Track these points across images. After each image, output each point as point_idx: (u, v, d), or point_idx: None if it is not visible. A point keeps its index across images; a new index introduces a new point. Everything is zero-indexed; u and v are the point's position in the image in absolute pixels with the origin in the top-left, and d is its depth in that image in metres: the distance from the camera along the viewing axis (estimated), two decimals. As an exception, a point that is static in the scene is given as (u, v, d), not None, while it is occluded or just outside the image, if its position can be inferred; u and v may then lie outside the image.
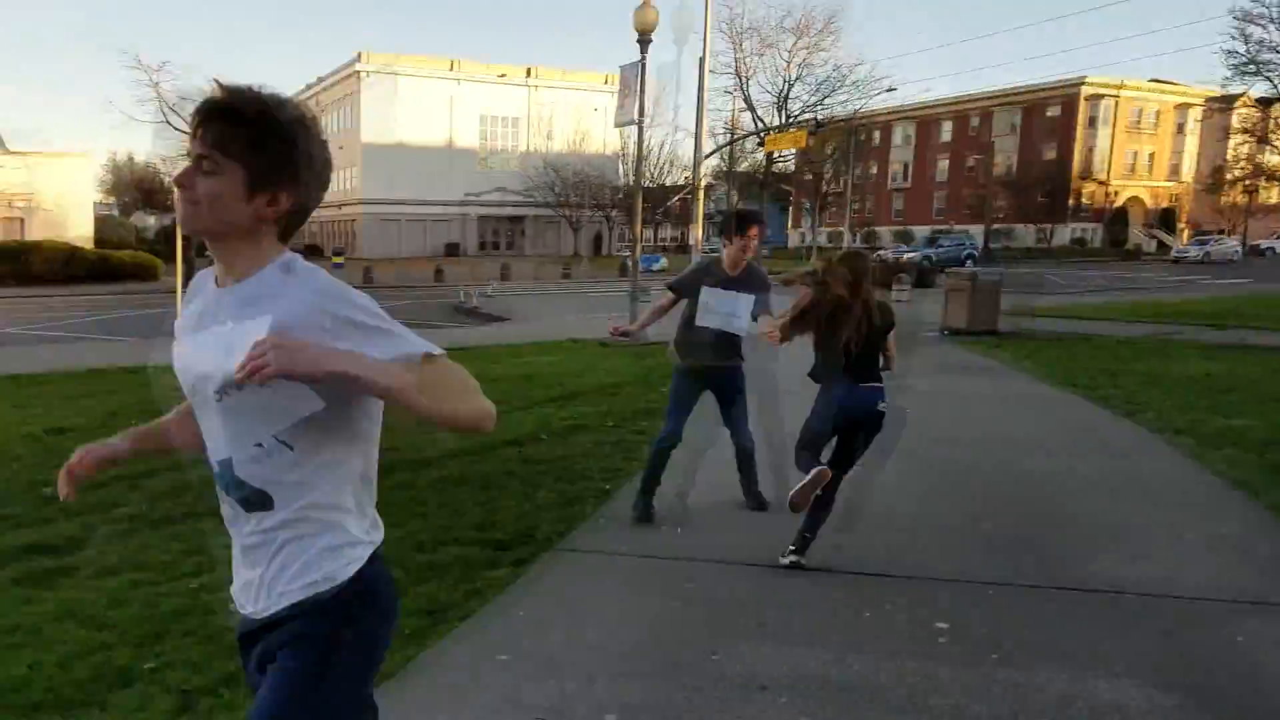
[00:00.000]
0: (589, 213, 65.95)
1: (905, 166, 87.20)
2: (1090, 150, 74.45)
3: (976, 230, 71.82)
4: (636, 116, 15.40)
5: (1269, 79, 41.85)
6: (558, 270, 47.51)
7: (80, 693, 3.31)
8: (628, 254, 35.23)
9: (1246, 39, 40.59)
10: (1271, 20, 39.54)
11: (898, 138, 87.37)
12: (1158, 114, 78.00)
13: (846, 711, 3.12)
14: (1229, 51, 41.48)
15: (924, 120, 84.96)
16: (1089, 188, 73.71)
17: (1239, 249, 54.50)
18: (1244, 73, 42.61)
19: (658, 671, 3.44)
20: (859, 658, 3.51)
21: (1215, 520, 5.19)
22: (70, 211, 40.14)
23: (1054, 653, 3.53)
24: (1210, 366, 11.15)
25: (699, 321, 5.09)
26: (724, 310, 5.01)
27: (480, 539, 4.96)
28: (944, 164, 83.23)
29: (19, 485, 6.19)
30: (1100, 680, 3.29)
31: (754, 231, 5.15)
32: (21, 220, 38.97)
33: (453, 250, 71.06)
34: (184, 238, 24.21)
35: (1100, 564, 4.49)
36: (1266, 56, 40.74)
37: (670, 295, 5.38)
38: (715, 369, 5.26)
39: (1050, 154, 73.81)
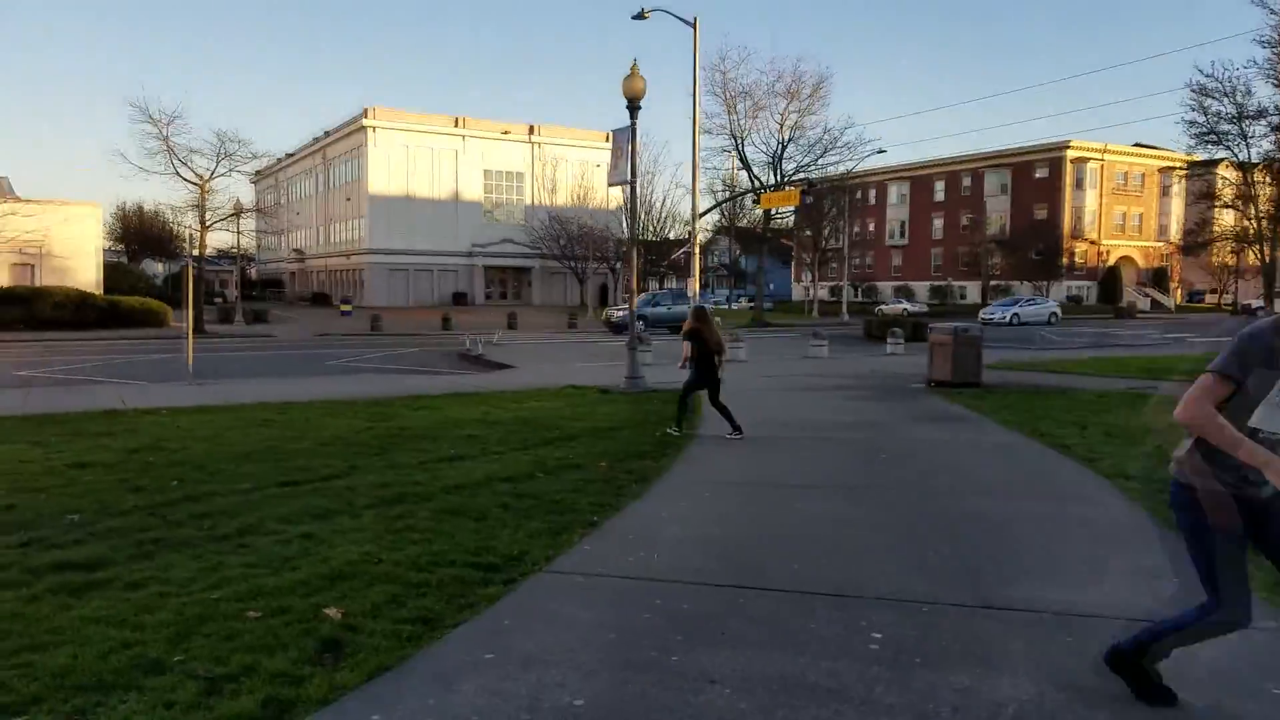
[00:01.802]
0: (594, 265, 67.06)
1: (902, 224, 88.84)
2: (1079, 210, 76.16)
3: (974, 286, 73.02)
4: (628, 177, 16.19)
5: (1228, 147, 43.32)
6: (563, 320, 48.30)
7: (118, 677, 3.82)
8: (625, 307, 36.68)
9: (1204, 111, 42.23)
10: (1224, 94, 41.16)
11: (894, 196, 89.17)
12: (1143, 177, 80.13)
13: (779, 697, 3.61)
14: (1190, 122, 43.04)
15: (918, 180, 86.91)
16: (1081, 247, 75.17)
17: (1056, 310, 52.40)
18: (1205, 141, 44.20)
19: (623, 668, 3.94)
20: (799, 660, 4.01)
21: (1140, 554, 5.69)
22: (79, 258, 41.09)
23: (970, 658, 4.03)
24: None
25: (1263, 424, 3.12)
26: None
27: (474, 562, 5.47)
28: (939, 222, 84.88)
29: (48, 512, 6.72)
30: (1003, 679, 3.80)
31: None
32: (32, 266, 39.89)
33: (460, 299, 72.15)
34: (194, 284, 24.76)
35: (1027, 588, 4.99)
36: (1224, 128, 42.33)
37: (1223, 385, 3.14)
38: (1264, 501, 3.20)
39: (1041, 214, 75.45)
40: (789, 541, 6.11)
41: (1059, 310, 52.90)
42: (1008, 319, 49.69)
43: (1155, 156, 77.94)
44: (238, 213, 43.08)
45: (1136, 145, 79.69)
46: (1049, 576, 5.24)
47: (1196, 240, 58.82)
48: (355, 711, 3.55)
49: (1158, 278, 78.84)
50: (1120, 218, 79.44)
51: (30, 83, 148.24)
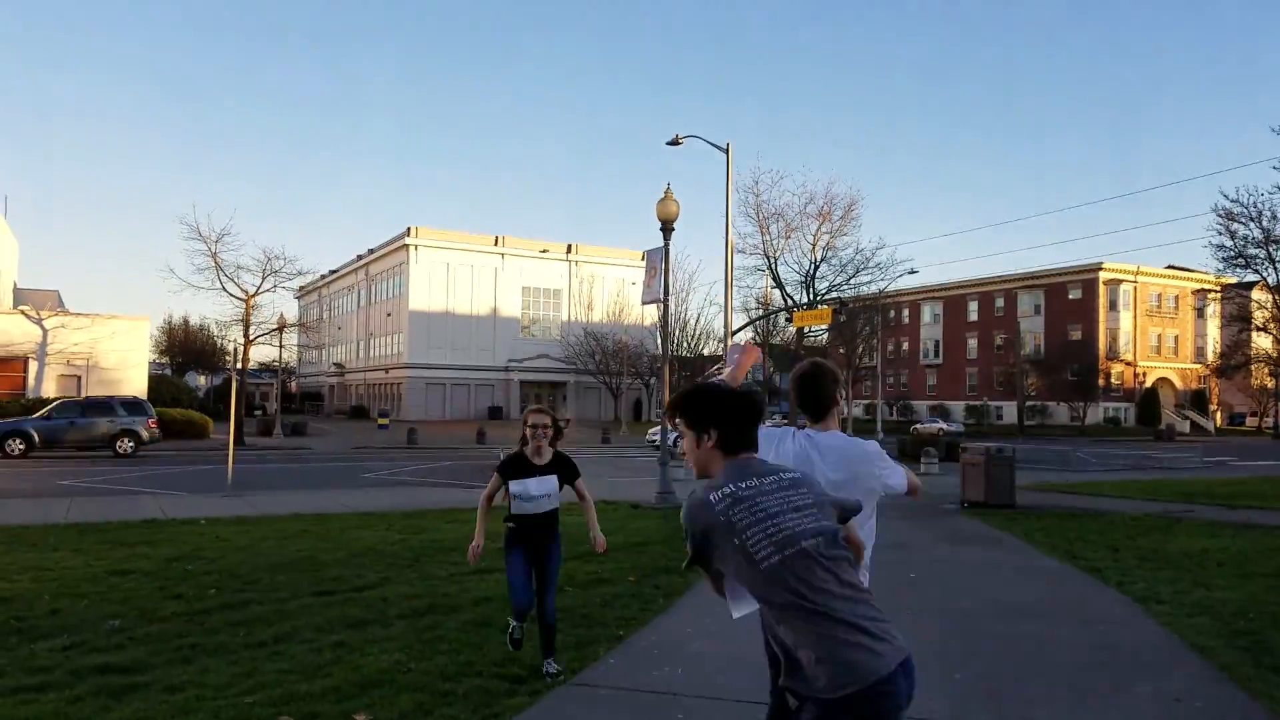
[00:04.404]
0: (629, 380, 67.78)
1: (936, 343, 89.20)
2: (1114, 331, 76.17)
3: (1010, 406, 72.52)
4: (661, 295, 16.67)
5: (1257, 271, 43.23)
6: (598, 435, 48.53)
7: (157, 779, 3.95)
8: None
9: (1232, 235, 42.27)
10: (1251, 219, 41.27)
11: (927, 316, 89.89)
12: (1176, 299, 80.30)
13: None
14: (1218, 246, 43.11)
15: (950, 300, 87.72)
16: (1117, 368, 74.78)
17: (943, 425, 50.09)
18: (1234, 265, 44.08)
19: (644, 780, 4.01)
20: (818, 775, 4.05)
21: (1166, 678, 5.65)
22: (126, 370, 42.14)
23: (990, 777, 4.05)
24: (1209, 543, 11.53)
25: None
26: None
27: (500, 673, 5.57)
28: (973, 342, 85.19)
29: (89, 617, 6.92)
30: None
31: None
32: (79, 378, 40.92)
33: (496, 413, 72.84)
34: (236, 398, 25.31)
35: (1050, 710, 4.99)
36: (1253, 251, 42.27)
37: None
38: None
39: (1076, 334, 75.55)
40: (813, 659, 6.13)
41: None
42: None
43: (1187, 279, 78.29)
44: (281, 327, 44.29)
45: (1169, 267, 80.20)
46: (1073, 699, 5.23)
47: (1231, 363, 58.32)
48: (382, 816, 3.65)
49: (1197, 400, 78.02)
50: (1156, 339, 79.32)
51: (84, 199, 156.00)
